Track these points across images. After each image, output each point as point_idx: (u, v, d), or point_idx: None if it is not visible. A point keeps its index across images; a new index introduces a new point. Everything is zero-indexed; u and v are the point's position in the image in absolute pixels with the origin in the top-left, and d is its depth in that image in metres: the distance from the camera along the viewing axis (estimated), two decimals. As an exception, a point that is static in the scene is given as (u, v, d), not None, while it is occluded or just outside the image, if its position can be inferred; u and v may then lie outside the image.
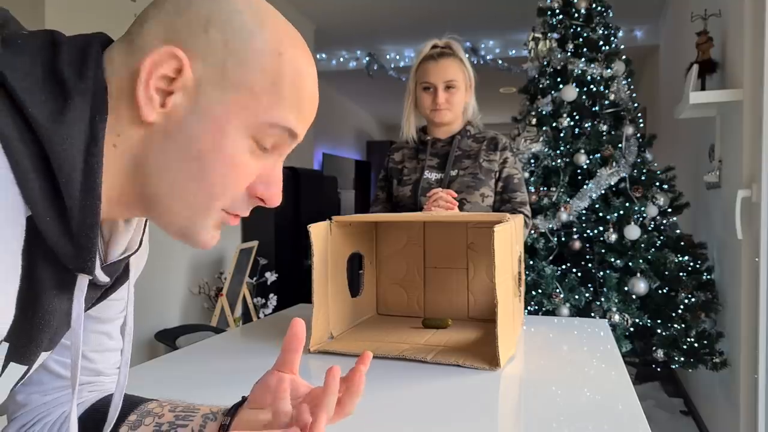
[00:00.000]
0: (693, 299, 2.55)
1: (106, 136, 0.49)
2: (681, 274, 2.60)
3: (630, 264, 2.62)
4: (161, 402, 0.71)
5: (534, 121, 2.98)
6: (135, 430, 0.67)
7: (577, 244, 2.73)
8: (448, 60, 1.72)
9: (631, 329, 2.58)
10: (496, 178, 1.76)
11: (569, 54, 2.92)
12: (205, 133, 0.50)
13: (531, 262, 2.70)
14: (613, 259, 2.65)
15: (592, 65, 2.86)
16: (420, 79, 1.75)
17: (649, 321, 2.59)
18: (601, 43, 2.91)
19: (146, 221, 0.63)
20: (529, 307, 2.62)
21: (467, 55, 1.79)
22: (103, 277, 0.55)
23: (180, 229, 0.54)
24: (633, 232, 2.63)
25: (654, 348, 2.55)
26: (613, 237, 2.65)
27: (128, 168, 0.51)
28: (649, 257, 2.62)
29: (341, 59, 5.92)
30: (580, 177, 2.85)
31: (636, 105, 2.90)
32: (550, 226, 2.75)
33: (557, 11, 2.98)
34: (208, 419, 0.67)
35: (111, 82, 0.50)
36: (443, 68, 1.71)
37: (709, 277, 2.62)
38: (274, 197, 0.56)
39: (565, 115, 2.87)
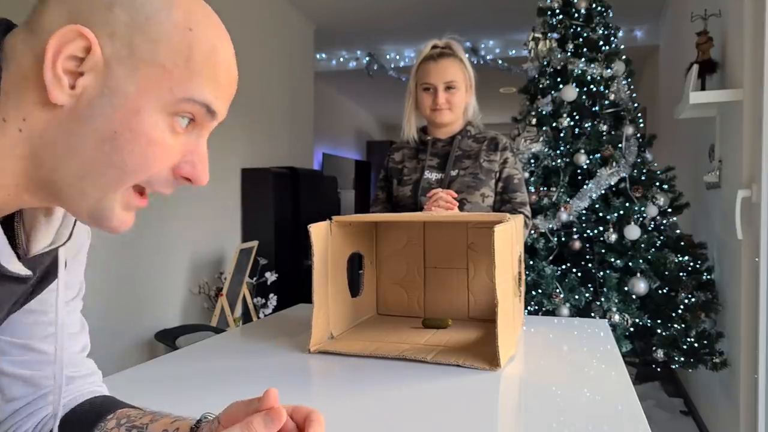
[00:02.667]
0: (693, 299, 2.55)
1: (10, 120, 0.49)
2: (681, 274, 2.60)
3: (630, 264, 2.62)
4: (120, 418, 0.68)
5: (534, 121, 2.98)
6: None
7: (577, 244, 2.73)
8: (448, 60, 1.72)
9: (631, 329, 2.58)
10: (497, 179, 1.76)
11: (569, 54, 2.92)
12: (118, 114, 0.49)
13: (531, 262, 2.70)
14: (613, 259, 2.65)
15: (592, 65, 2.86)
16: (420, 80, 1.75)
17: (649, 321, 2.59)
18: (601, 43, 2.91)
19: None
20: (529, 307, 2.62)
21: (467, 55, 1.79)
22: (23, 270, 0.54)
23: (89, 212, 0.52)
24: (633, 232, 2.63)
25: (654, 348, 2.55)
26: (613, 237, 2.65)
27: (35, 152, 0.50)
28: (649, 257, 2.62)
29: (341, 59, 5.92)
30: (580, 177, 2.85)
31: (636, 105, 2.90)
32: (550, 226, 2.75)
33: (557, 11, 2.98)
34: None
35: (12, 65, 0.49)
36: (443, 69, 1.71)
37: (709, 277, 2.62)
38: (201, 175, 0.55)
39: (565, 115, 2.87)
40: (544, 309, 2.61)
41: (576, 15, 2.94)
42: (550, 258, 2.76)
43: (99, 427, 0.67)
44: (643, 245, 2.62)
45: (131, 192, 0.53)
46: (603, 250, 2.69)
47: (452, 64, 1.72)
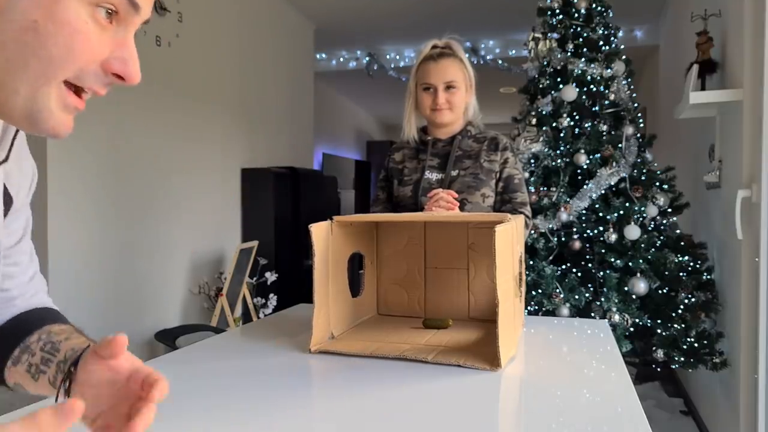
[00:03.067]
0: (693, 299, 2.55)
1: None
2: (681, 274, 2.60)
3: (630, 264, 2.62)
4: (42, 333, 0.69)
5: (534, 121, 2.98)
6: (16, 366, 0.68)
7: (577, 244, 2.73)
8: (448, 60, 1.72)
9: (631, 329, 2.59)
10: (497, 179, 1.76)
11: (569, 54, 2.92)
12: (36, 3, 0.49)
13: (531, 262, 2.70)
14: (613, 259, 2.65)
15: (592, 65, 2.86)
16: (420, 80, 1.75)
17: (649, 321, 2.59)
18: (601, 43, 2.91)
19: (15, 133, 0.62)
20: (529, 307, 2.62)
21: (467, 55, 1.79)
22: None
23: (23, 111, 0.52)
24: (633, 232, 2.63)
25: (654, 348, 2.55)
26: (613, 237, 2.65)
27: None
28: (649, 257, 2.62)
29: (341, 59, 5.92)
30: (580, 177, 2.85)
31: (636, 105, 2.90)
32: (550, 226, 2.75)
33: (557, 11, 2.98)
34: (60, 372, 0.65)
35: None
36: (443, 69, 1.71)
37: (709, 277, 2.62)
38: (132, 73, 0.55)
39: (565, 115, 2.87)
40: (544, 309, 2.61)
41: (576, 15, 2.94)
42: (550, 258, 2.76)
43: (25, 339, 0.69)
44: (643, 245, 2.62)
45: (65, 89, 0.53)
46: (603, 250, 2.69)
47: (452, 64, 1.72)
